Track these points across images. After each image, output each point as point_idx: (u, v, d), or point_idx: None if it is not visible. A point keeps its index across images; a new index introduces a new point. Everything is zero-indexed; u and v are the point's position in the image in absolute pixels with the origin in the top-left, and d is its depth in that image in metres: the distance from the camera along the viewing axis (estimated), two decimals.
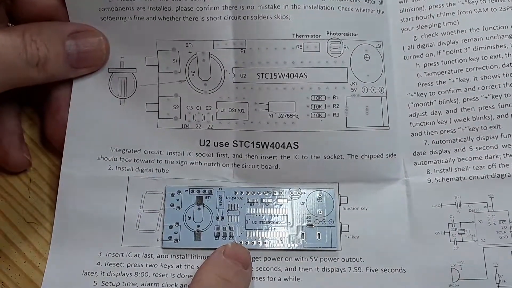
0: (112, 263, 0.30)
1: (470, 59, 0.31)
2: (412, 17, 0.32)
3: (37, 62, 0.28)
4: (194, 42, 0.31)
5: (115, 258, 0.30)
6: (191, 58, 0.31)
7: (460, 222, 0.30)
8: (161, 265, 0.30)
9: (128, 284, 0.29)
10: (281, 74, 0.30)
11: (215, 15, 0.30)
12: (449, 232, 0.30)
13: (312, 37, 0.31)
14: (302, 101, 0.30)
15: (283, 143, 0.31)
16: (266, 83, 0.30)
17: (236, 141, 0.31)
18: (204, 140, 0.31)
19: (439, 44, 0.31)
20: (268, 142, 0.31)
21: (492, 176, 0.30)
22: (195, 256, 0.30)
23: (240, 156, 0.31)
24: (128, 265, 0.30)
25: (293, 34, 0.30)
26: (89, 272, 0.29)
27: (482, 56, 0.31)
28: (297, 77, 0.30)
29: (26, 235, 0.31)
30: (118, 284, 0.29)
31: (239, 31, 0.30)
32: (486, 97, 0.31)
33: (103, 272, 0.29)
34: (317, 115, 0.31)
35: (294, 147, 0.31)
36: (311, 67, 0.30)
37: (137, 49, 0.31)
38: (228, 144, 0.31)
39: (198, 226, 0.30)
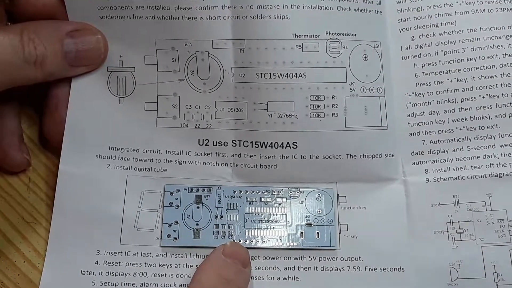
0: (111, 262, 0.29)
1: (467, 59, 0.31)
2: (409, 18, 0.32)
3: (34, 61, 0.28)
4: (193, 41, 0.31)
5: (114, 257, 0.30)
6: (190, 57, 0.31)
7: (459, 221, 0.30)
8: (159, 265, 0.30)
9: (127, 284, 0.29)
10: (280, 74, 0.30)
11: (214, 15, 0.30)
12: (447, 231, 0.30)
13: (311, 37, 0.31)
14: (301, 101, 0.31)
15: (282, 143, 0.31)
16: (265, 83, 0.31)
17: (235, 141, 0.31)
18: (203, 140, 0.31)
19: (436, 44, 0.32)
20: (267, 142, 0.31)
21: (490, 175, 0.31)
22: (194, 255, 0.30)
23: (239, 155, 0.31)
24: (127, 264, 0.30)
25: (293, 34, 0.30)
26: (87, 271, 0.29)
27: (479, 56, 0.31)
28: (296, 77, 0.30)
29: (26, 234, 0.30)
30: (116, 284, 0.29)
31: (238, 31, 0.30)
32: (483, 97, 0.31)
33: (102, 272, 0.29)
34: (316, 115, 0.31)
35: (293, 147, 0.31)
36: (310, 67, 0.31)
37: (136, 48, 0.31)
38: (227, 143, 0.31)
39: (197, 224, 0.30)
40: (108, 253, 0.30)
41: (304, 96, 0.31)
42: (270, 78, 0.31)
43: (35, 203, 0.31)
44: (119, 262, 0.29)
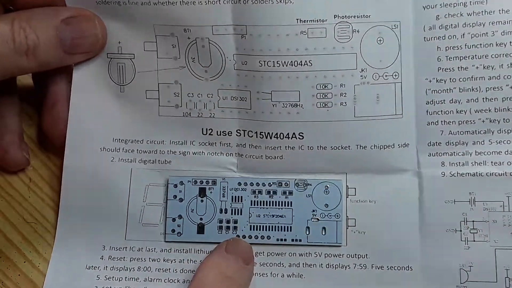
0: (116, 257, 0.30)
1: (496, 44, 0.28)
2: None
3: (26, 50, 0.27)
4: (192, 27, 0.29)
5: (119, 252, 0.30)
6: (190, 44, 0.29)
7: (473, 221, 0.28)
8: (164, 260, 0.30)
9: (131, 279, 0.30)
10: (284, 62, 0.28)
11: None
12: (460, 231, 0.29)
13: (317, 22, 0.28)
14: (307, 90, 0.29)
15: (288, 134, 0.29)
16: (268, 71, 0.29)
17: (240, 130, 0.30)
18: (207, 129, 0.30)
19: (463, 25, 0.28)
20: (272, 133, 0.29)
21: (511, 174, 0.28)
22: (198, 250, 0.30)
23: (244, 145, 0.30)
24: (131, 259, 0.30)
25: (297, 19, 0.28)
26: (92, 266, 0.30)
27: (510, 42, 0.28)
28: (301, 65, 0.28)
29: (26, 235, 0.31)
30: (120, 279, 0.30)
31: (239, 16, 0.28)
32: (511, 87, 0.28)
33: (106, 267, 0.30)
34: (323, 104, 0.29)
35: (299, 138, 0.29)
36: (317, 54, 0.28)
37: (134, 34, 0.30)
38: (231, 133, 0.30)
39: (201, 219, 0.30)
40: (113, 248, 0.30)
41: (310, 85, 0.29)
42: (274, 66, 0.28)
43: (36, 204, 0.31)
44: (124, 257, 0.30)
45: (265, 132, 0.30)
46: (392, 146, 0.29)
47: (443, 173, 0.29)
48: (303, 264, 0.30)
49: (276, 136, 0.29)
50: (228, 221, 0.30)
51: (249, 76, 0.29)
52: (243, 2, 0.28)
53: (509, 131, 0.28)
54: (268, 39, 0.28)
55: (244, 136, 0.30)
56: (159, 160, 0.31)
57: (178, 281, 0.30)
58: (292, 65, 0.28)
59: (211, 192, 0.30)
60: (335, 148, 0.29)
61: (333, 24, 0.28)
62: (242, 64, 0.29)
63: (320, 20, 0.28)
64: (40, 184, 0.32)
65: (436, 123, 0.29)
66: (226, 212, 0.30)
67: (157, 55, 0.30)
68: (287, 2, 0.28)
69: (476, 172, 0.29)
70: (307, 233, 0.30)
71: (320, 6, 0.28)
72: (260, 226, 0.30)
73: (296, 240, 0.29)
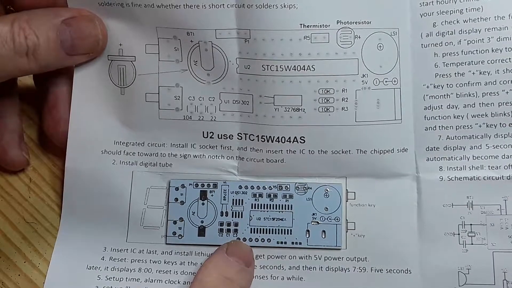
0: (117, 258, 0.30)
1: (492, 50, 0.29)
2: (432, 1, 0.29)
3: (26, 51, 0.27)
4: (195, 30, 0.29)
5: (120, 254, 0.30)
6: (193, 47, 0.29)
7: (471, 224, 0.29)
8: (164, 262, 0.30)
9: (131, 279, 0.30)
10: (287, 66, 0.29)
11: (217, 3, 0.28)
12: (458, 234, 0.29)
13: (320, 27, 0.28)
14: (309, 95, 0.29)
15: (289, 138, 0.30)
16: (271, 76, 0.29)
17: (241, 134, 0.30)
18: (208, 132, 0.30)
19: (460, 32, 0.29)
20: (274, 136, 0.30)
21: (508, 177, 0.29)
22: (198, 253, 0.30)
23: (245, 149, 0.30)
24: (132, 260, 0.30)
25: (301, 24, 0.28)
26: (93, 266, 0.30)
27: (506, 48, 0.28)
28: (304, 69, 0.29)
29: (26, 235, 0.31)
30: (121, 279, 0.30)
31: (243, 20, 0.29)
32: (507, 92, 0.29)
33: (107, 267, 0.30)
34: (325, 109, 0.29)
35: (300, 142, 0.30)
36: (319, 59, 0.29)
37: (136, 36, 0.30)
38: (233, 136, 0.30)
39: (202, 222, 0.30)
40: (114, 249, 0.30)
41: (313, 89, 0.29)
42: (277, 70, 0.29)
43: (36, 204, 0.31)
44: (125, 259, 0.30)
45: (266, 136, 0.30)
46: (392, 151, 0.30)
47: (441, 177, 0.30)
48: (303, 267, 0.30)
49: (277, 140, 0.30)
50: (228, 224, 0.30)
51: (252, 80, 0.29)
52: (247, 7, 0.28)
53: (505, 136, 0.29)
54: (272, 43, 0.29)
55: (245, 139, 0.30)
56: (160, 163, 0.31)
57: (178, 282, 0.30)
58: (295, 69, 0.29)
59: (212, 195, 0.30)
60: (335, 152, 0.30)
61: (335, 30, 0.29)
62: (245, 68, 0.29)
63: (323, 25, 0.28)
64: (40, 184, 0.32)
65: (434, 128, 0.30)
66: (227, 215, 0.30)
67: (158, 58, 0.30)
68: (291, 7, 0.28)
69: (474, 176, 0.29)
70: (307, 236, 0.30)
71: (323, 12, 0.28)
72: (260, 229, 0.30)
73: (296, 243, 0.30)
